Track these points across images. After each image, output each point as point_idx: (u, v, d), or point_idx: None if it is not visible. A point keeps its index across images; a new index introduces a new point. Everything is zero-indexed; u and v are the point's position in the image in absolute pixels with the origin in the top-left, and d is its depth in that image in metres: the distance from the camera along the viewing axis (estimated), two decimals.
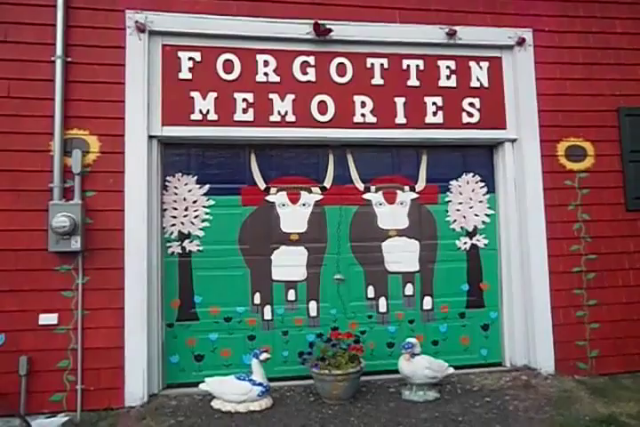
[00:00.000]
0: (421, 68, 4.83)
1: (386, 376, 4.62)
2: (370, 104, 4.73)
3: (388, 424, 3.77)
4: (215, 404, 4.09)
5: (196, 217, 4.65)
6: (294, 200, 4.80)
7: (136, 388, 4.16)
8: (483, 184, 5.07)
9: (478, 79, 4.92)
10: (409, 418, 3.86)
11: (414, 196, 4.97)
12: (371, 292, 4.86)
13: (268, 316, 4.70)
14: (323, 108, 4.67)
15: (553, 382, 4.49)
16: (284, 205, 4.78)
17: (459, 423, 3.76)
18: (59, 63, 4.19)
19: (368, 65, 4.76)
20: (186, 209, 4.64)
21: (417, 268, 4.93)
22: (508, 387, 4.44)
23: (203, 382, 4.16)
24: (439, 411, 3.97)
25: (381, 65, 4.77)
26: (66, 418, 3.92)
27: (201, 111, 4.50)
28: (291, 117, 4.61)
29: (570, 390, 4.34)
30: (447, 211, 5.01)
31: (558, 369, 4.67)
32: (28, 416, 3.82)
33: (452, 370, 4.36)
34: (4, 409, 3.87)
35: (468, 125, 4.88)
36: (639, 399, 4.14)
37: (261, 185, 4.75)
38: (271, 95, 4.60)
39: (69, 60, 4.25)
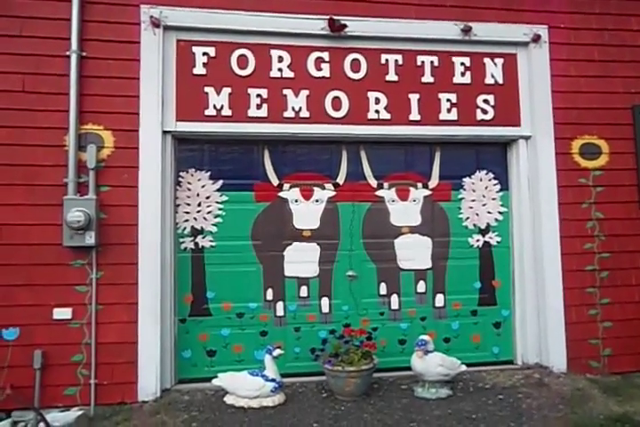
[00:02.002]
0: (436, 64, 4.81)
1: (397, 373, 4.61)
2: (384, 100, 4.71)
3: (401, 421, 3.77)
4: (228, 399, 4.10)
5: (208, 213, 4.65)
6: (307, 196, 4.79)
7: (149, 383, 4.17)
8: (496, 182, 5.04)
9: (493, 76, 4.89)
10: (422, 415, 3.86)
11: (427, 193, 4.95)
12: (383, 289, 4.85)
13: (280, 312, 4.70)
14: (337, 104, 4.66)
15: (565, 381, 4.48)
16: (296, 201, 4.78)
17: (472, 421, 3.76)
18: (74, 58, 4.19)
19: (382, 61, 4.74)
20: (199, 205, 4.64)
21: (429, 265, 4.92)
22: (520, 385, 4.44)
23: (215, 377, 4.17)
24: (452, 408, 3.97)
25: (396, 61, 4.75)
26: (80, 412, 3.92)
27: (215, 107, 4.49)
28: (305, 113, 4.60)
29: (583, 389, 4.33)
30: (460, 208, 4.99)
31: (570, 368, 4.65)
32: (42, 410, 3.82)
33: (464, 367, 4.36)
34: (19, 402, 3.88)
35: (482, 122, 4.85)
36: None
37: (274, 181, 4.75)
38: (285, 91, 4.59)
39: (84, 54, 4.24)
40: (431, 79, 4.80)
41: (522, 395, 4.22)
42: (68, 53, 4.19)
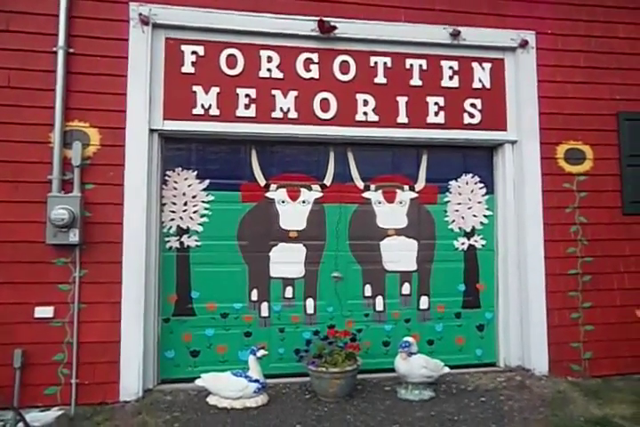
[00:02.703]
0: (424, 67, 4.84)
1: (381, 375, 4.63)
2: (372, 103, 4.73)
3: (384, 422, 3.78)
4: (211, 400, 4.08)
5: (195, 212, 4.63)
6: (294, 197, 4.79)
7: (131, 383, 4.14)
8: (482, 185, 5.08)
9: (480, 80, 4.93)
10: (405, 417, 3.87)
11: (414, 195, 4.97)
12: (368, 290, 4.86)
13: (264, 313, 4.69)
14: (325, 105, 4.66)
15: (547, 383, 4.53)
16: (283, 201, 4.77)
17: (454, 422, 3.77)
18: (60, 54, 4.15)
19: (371, 63, 4.75)
20: (185, 204, 4.62)
21: (414, 267, 4.94)
22: (502, 387, 4.47)
23: (198, 377, 4.16)
24: (435, 410, 3.99)
25: (384, 64, 4.77)
26: (60, 412, 3.89)
27: (203, 106, 4.48)
28: (293, 114, 4.60)
29: (564, 392, 4.37)
30: (446, 211, 5.02)
31: (552, 370, 4.70)
32: (21, 409, 3.77)
33: (447, 370, 4.38)
34: None
35: (469, 126, 4.89)
36: (632, 401, 4.17)
37: (261, 181, 4.74)
38: (274, 91, 4.59)
39: (71, 51, 4.21)
40: (419, 82, 4.83)
41: (504, 397, 4.25)
42: (54, 49, 4.15)
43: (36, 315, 4.05)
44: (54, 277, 4.10)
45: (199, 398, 4.18)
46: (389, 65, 4.78)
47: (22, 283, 4.04)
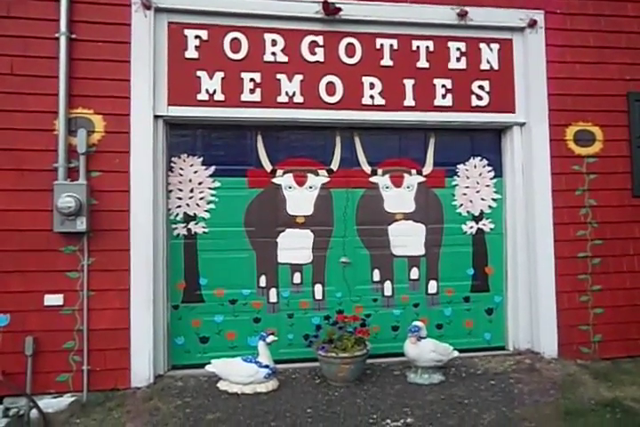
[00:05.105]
0: (431, 49, 4.75)
1: (390, 359, 4.63)
2: (379, 86, 4.66)
3: (394, 406, 3.79)
4: (221, 385, 4.10)
5: (201, 199, 4.61)
6: (301, 183, 4.76)
7: (142, 369, 4.16)
8: (490, 168, 5.03)
9: (488, 61, 4.84)
10: (415, 400, 3.88)
11: (421, 179, 4.93)
12: (376, 275, 4.85)
13: (273, 298, 4.69)
14: (331, 89, 4.60)
15: (556, 366, 4.52)
16: (290, 187, 4.74)
17: (465, 406, 3.78)
18: (63, 40, 4.10)
19: (377, 46, 4.67)
20: (191, 191, 4.60)
21: (423, 252, 4.91)
22: (512, 370, 4.47)
23: (208, 363, 4.17)
24: (445, 393, 4.00)
25: (391, 46, 4.69)
26: (72, 398, 3.93)
27: (207, 91, 4.43)
28: (298, 98, 4.54)
29: (573, 374, 4.37)
30: (454, 195, 4.98)
31: (561, 353, 4.69)
32: (34, 396, 3.82)
33: (456, 353, 4.38)
34: (11, 389, 3.87)
35: (477, 109, 4.82)
36: None
37: (268, 167, 4.70)
38: (279, 75, 4.53)
39: (74, 36, 4.15)
40: (426, 64, 4.75)
41: (513, 380, 4.25)
42: (57, 35, 4.09)
43: (46, 303, 4.06)
44: (63, 265, 4.10)
45: (210, 383, 4.20)
46: (395, 47, 4.70)
47: (31, 271, 4.05)
